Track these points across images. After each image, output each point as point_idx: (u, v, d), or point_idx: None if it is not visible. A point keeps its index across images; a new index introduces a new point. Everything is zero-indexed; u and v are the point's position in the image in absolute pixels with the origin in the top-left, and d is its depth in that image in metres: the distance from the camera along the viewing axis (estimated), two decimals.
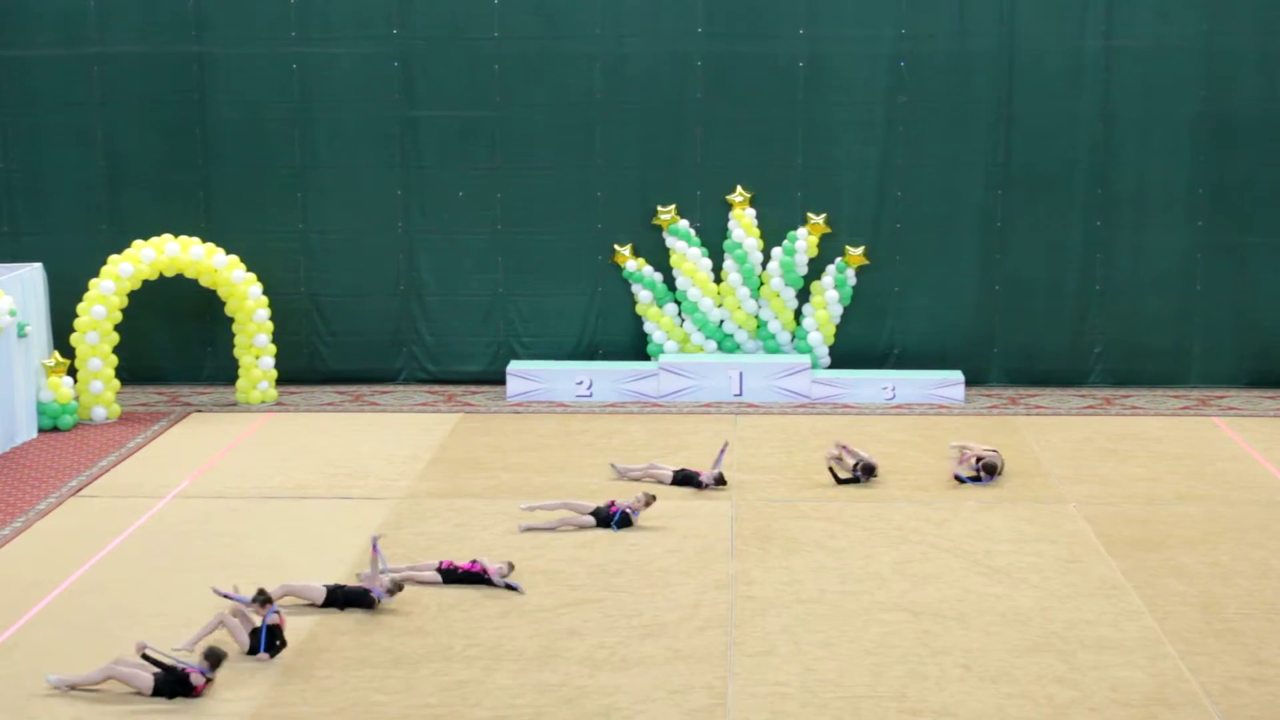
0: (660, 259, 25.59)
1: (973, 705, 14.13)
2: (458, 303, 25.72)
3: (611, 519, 18.77)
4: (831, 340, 25.58)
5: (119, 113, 25.26)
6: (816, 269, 25.49)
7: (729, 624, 15.99)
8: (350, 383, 25.79)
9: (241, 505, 19.83)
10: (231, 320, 24.98)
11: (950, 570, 17.45)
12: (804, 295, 25.66)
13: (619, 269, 25.62)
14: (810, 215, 25.23)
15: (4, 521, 19.34)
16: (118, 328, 24.21)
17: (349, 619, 16.11)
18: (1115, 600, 16.58)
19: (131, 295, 24.33)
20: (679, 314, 25.74)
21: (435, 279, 25.72)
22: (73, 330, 24.01)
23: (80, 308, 23.95)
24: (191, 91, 25.22)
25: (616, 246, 25.54)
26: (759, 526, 18.96)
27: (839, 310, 25.50)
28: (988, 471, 20.43)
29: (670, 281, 25.66)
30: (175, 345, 25.75)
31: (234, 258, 24.64)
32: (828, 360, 25.58)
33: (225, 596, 15.79)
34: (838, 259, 25.36)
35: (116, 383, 24.23)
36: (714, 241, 25.51)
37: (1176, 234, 25.19)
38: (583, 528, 18.71)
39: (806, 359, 25.09)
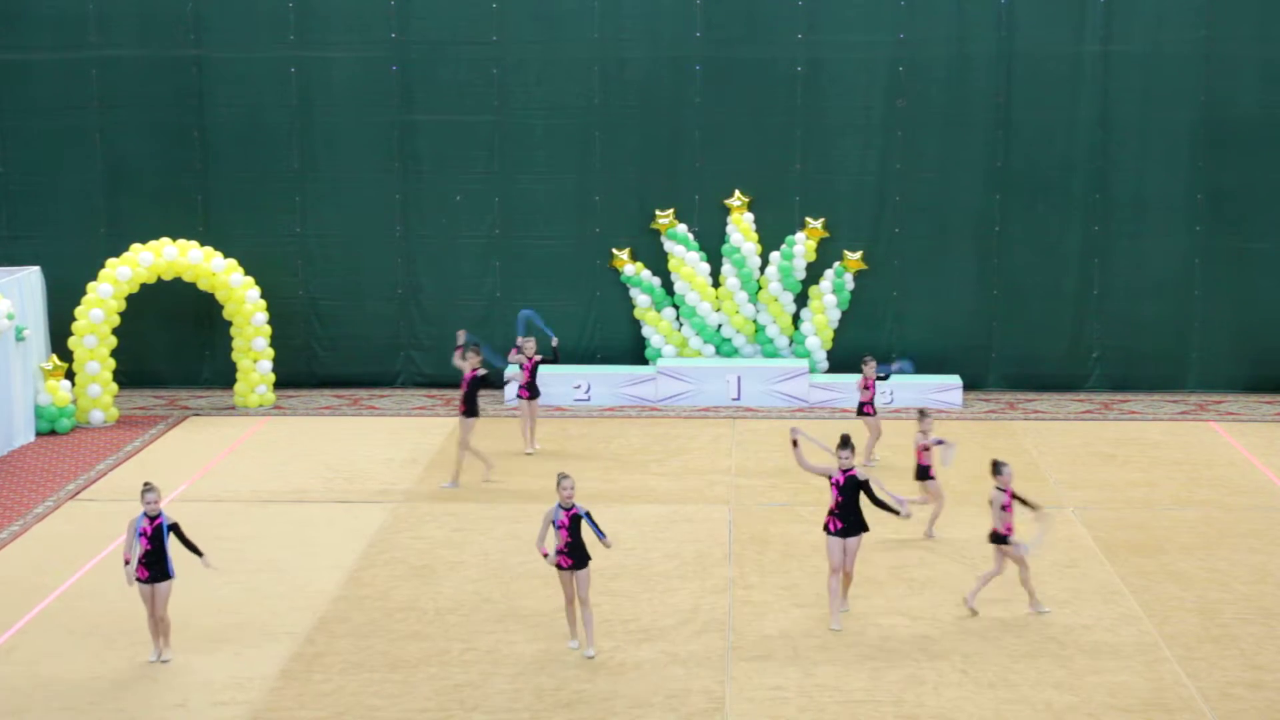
0: (658, 263, 25.59)
1: (970, 710, 14.12)
2: (455, 307, 25.70)
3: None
4: (829, 345, 25.58)
5: (117, 116, 25.27)
6: (815, 274, 25.49)
7: (726, 628, 15.97)
8: (348, 386, 25.79)
9: (240, 508, 19.83)
10: (229, 324, 24.97)
11: (948, 575, 17.44)
12: (802, 300, 25.66)
13: (617, 273, 25.61)
14: (808, 220, 25.23)
15: (2, 525, 19.32)
16: (116, 331, 24.19)
17: (347, 623, 16.10)
18: (1113, 605, 16.57)
19: (129, 299, 24.32)
20: (677, 318, 25.73)
21: (433, 283, 25.72)
22: (71, 334, 23.99)
23: (78, 311, 23.93)
24: (190, 95, 25.23)
25: (614, 251, 25.53)
26: (756, 531, 18.94)
27: (837, 315, 25.50)
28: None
29: (668, 286, 25.66)
30: (173, 349, 25.74)
31: (232, 261, 24.63)
32: (826, 365, 25.57)
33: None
34: (836, 264, 25.36)
35: (114, 386, 24.21)
36: (712, 246, 25.51)
37: (1174, 239, 25.19)
38: None
39: (804, 363, 25.08)
